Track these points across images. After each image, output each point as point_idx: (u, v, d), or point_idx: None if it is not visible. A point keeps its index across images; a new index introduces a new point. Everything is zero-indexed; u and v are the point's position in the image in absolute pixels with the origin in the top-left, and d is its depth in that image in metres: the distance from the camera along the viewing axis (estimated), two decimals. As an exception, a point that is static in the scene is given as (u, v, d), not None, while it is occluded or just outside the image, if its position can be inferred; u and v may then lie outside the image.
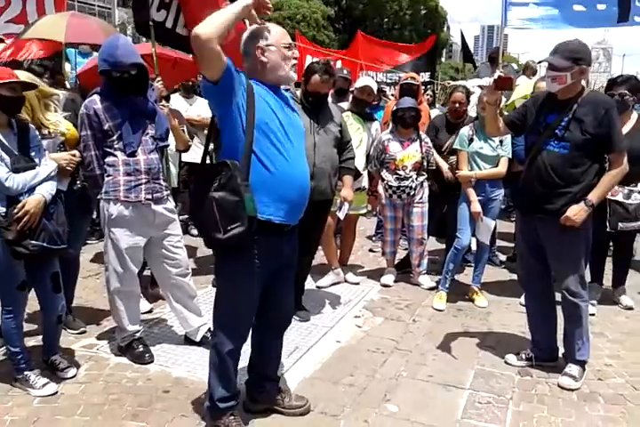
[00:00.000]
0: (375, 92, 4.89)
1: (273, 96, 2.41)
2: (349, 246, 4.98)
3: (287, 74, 2.43)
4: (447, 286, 4.35)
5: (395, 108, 4.68)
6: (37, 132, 2.92)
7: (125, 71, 3.01)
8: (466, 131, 4.26)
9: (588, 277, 3.42)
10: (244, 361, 2.73)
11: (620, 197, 3.89)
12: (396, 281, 4.79)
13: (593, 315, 3.80)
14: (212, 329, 2.78)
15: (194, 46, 2.17)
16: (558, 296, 3.25)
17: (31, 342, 3.31)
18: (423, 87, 8.36)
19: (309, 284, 4.38)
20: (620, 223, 3.94)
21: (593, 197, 2.96)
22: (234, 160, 2.29)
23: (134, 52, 3.07)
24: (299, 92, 3.82)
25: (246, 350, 2.70)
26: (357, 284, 4.74)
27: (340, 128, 3.87)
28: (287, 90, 2.92)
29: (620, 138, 2.95)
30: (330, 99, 5.64)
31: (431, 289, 4.60)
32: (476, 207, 4.13)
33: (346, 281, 4.76)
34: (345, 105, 5.02)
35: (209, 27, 2.13)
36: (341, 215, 4.06)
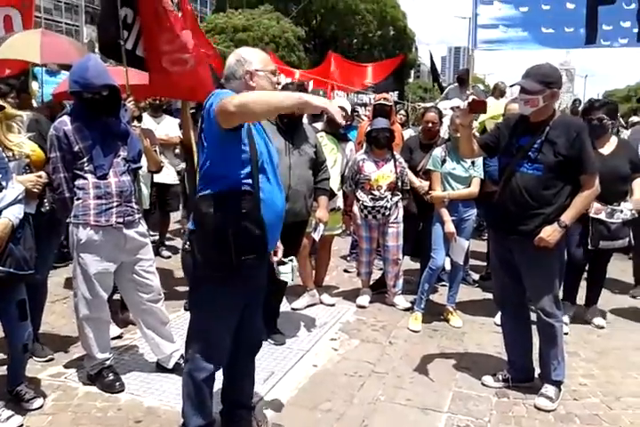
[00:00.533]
0: (349, 112, 4.92)
1: (256, 124, 2.43)
2: (325, 267, 4.95)
3: None
4: (422, 306, 4.34)
5: (369, 128, 4.71)
6: (4, 155, 2.83)
7: (97, 92, 2.96)
8: (438, 152, 4.30)
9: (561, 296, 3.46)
10: (217, 389, 2.66)
11: (602, 216, 3.95)
12: (371, 302, 4.76)
13: (566, 334, 3.83)
14: (184, 355, 2.70)
15: (221, 114, 2.15)
16: (533, 316, 3.27)
17: (-6, 371, 3.17)
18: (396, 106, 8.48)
19: (284, 306, 4.32)
20: (601, 242, 4.00)
21: (566, 218, 3.00)
22: (249, 187, 2.29)
23: (106, 73, 3.02)
24: None
25: (218, 377, 2.63)
26: (333, 305, 4.70)
27: (315, 149, 3.86)
28: None
29: (591, 160, 3.01)
30: (305, 119, 5.67)
31: (406, 310, 4.59)
32: (450, 228, 4.16)
33: (321, 302, 4.71)
34: (319, 125, 5.03)
35: (247, 107, 2.10)
36: (316, 236, 4.05)
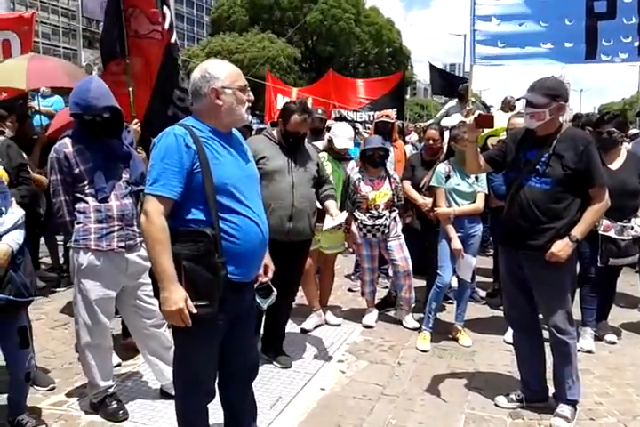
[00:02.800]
0: (352, 136, 4.79)
1: (224, 146, 2.28)
2: (329, 286, 4.87)
3: (242, 116, 2.31)
4: (431, 325, 4.26)
5: (363, 147, 4.68)
6: (3, 180, 2.79)
7: (98, 114, 2.93)
8: (442, 168, 4.27)
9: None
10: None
11: (612, 233, 3.90)
12: (377, 321, 4.68)
13: (578, 351, 3.74)
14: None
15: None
16: (546, 334, 3.20)
17: (-6, 401, 3.09)
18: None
19: (288, 326, 4.24)
20: (610, 259, 3.94)
21: (577, 232, 2.95)
22: (209, 228, 2.14)
23: (107, 95, 2.99)
24: (274, 132, 3.78)
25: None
26: (338, 325, 4.61)
27: (318, 167, 3.82)
28: (262, 129, 2.78)
29: (599, 173, 2.97)
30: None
31: (415, 329, 4.51)
32: (457, 244, 4.10)
33: (326, 323, 4.63)
34: (320, 144, 4.98)
35: (145, 234, 2.19)
36: (326, 226, 3.87)
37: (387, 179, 4.57)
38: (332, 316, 4.70)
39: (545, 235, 2.98)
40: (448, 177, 4.22)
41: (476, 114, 2.99)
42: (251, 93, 2.33)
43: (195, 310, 2.13)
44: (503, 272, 3.33)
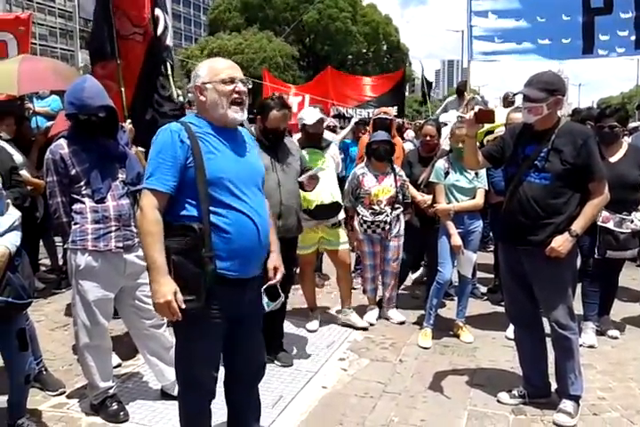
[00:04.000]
0: (323, 121, 4.55)
1: (222, 141, 2.27)
2: (347, 286, 4.63)
3: (225, 112, 2.26)
4: (432, 321, 4.25)
5: (368, 141, 4.65)
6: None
7: (93, 114, 2.91)
8: (441, 164, 4.25)
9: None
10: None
11: (610, 225, 3.86)
12: (378, 319, 4.66)
13: (580, 346, 3.72)
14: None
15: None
16: (547, 329, 3.19)
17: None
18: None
19: (288, 326, 4.23)
20: (608, 251, 3.92)
21: (577, 227, 2.94)
22: (197, 223, 2.15)
23: (102, 94, 2.97)
24: (253, 129, 3.72)
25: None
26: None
27: (300, 161, 3.79)
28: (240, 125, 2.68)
29: (599, 167, 2.96)
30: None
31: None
32: (457, 240, 4.08)
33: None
34: (295, 138, 4.58)
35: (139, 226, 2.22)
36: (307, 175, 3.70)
37: (392, 175, 4.54)
38: (395, 312, 4.68)
39: (545, 230, 2.96)
40: (447, 173, 4.20)
41: (477, 109, 2.96)
42: (240, 85, 2.26)
43: (183, 305, 2.13)
44: (503, 268, 3.32)
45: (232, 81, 2.26)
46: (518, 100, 7.87)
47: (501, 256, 3.35)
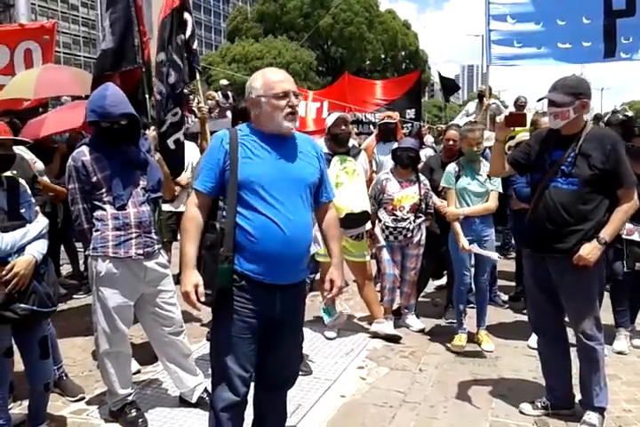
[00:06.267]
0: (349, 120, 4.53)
1: (264, 147, 2.32)
2: (371, 296, 4.56)
3: (280, 124, 2.32)
4: (464, 327, 4.22)
5: (395, 146, 4.65)
6: (27, 188, 2.81)
7: (115, 122, 2.93)
8: (452, 168, 4.20)
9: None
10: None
11: (635, 237, 3.82)
12: (399, 327, 4.61)
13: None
14: (208, 389, 2.58)
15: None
16: (571, 339, 3.13)
17: (16, 409, 3.10)
18: (411, 124, 8.40)
19: (307, 334, 4.20)
20: (637, 263, 3.85)
21: (605, 234, 2.86)
22: (220, 222, 2.32)
23: (124, 102, 2.99)
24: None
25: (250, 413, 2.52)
26: (422, 331, 4.55)
27: None
28: None
29: (628, 173, 2.88)
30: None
31: (419, 331, 4.52)
32: (462, 241, 4.02)
33: (408, 328, 4.61)
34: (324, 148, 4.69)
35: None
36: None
37: (416, 184, 4.51)
38: (414, 319, 4.65)
39: (572, 237, 2.89)
40: (458, 177, 4.14)
41: (507, 112, 2.92)
42: (293, 99, 2.33)
43: (202, 298, 2.29)
44: (528, 277, 3.24)
45: (286, 95, 2.31)
46: (531, 105, 7.74)
47: (526, 264, 3.27)
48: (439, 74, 14.25)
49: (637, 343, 4.19)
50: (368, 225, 4.42)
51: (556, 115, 2.91)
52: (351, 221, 4.09)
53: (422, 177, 4.61)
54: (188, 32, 4.25)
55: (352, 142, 4.72)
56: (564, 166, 2.93)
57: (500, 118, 2.98)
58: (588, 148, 2.88)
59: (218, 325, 2.40)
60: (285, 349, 2.50)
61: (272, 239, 2.26)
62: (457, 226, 4.09)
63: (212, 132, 3.88)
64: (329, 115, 5.72)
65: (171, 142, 4.15)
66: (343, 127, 4.26)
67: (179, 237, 5.71)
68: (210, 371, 2.49)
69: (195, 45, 4.31)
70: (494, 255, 4.19)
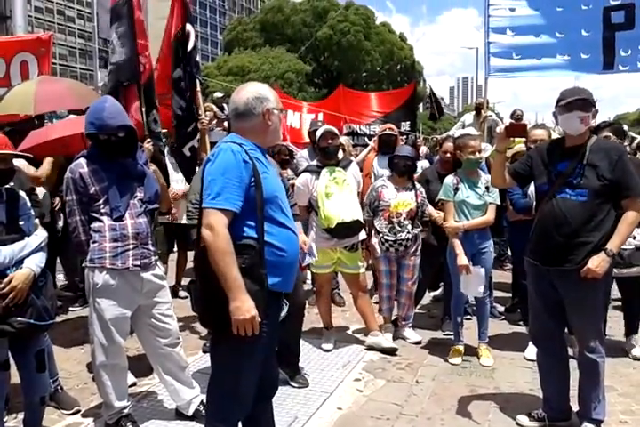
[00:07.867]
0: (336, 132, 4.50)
1: (267, 162, 2.39)
2: (368, 309, 4.54)
3: (280, 137, 2.56)
4: (461, 338, 4.21)
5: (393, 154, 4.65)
6: (28, 201, 2.82)
7: (113, 134, 2.94)
8: (450, 180, 4.16)
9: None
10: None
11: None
12: (394, 339, 4.60)
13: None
14: (204, 402, 2.55)
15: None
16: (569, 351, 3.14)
17: (10, 422, 3.07)
18: (407, 136, 8.45)
19: (303, 346, 4.19)
20: (614, 269, 3.84)
21: (613, 246, 2.85)
22: (255, 241, 2.21)
23: (122, 114, 3.01)
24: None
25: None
26: (419, 343, 4.53)
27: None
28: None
29: (635, 183, 2.87)
30: (306, 153, 5.56)
31: (416, 343, 4.50)
32: (462, 260, 3.98)
33: (405, 340, 4.60)
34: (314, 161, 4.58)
35: (211, 249, 2.16)
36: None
37: (413, 191, 4.53)
38: (411, 331, 4.64)
39: (582, 249, 2.87)
40: (457, 189, 4.12)
41: (507, 122, 2.93)
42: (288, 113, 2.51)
43: (259, 319, 2.16)
44: (532, 291, 3.19)
45: (282, 110, 2.46)
46: (525, 117, 7.75)
47: (530, 277, 3.21)
48: (432, 92, 14.34)
49: (635, 353, 4.17)
50: (362, 235, 4.42)
51: (583, 119, 2.89)
52: (343, 231, 4.10)
53: (418, 185, 4.63)
54: (191, 44, 4.29)
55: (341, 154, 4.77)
56: (572, 178, 2.91)
57: (500, 128, 2.99)
58: (595, 158, 2.88)
59: (236, 344, 2.22)
60: (272, 355, 2.53)
61: (295, 250, 2.36)
62: (457, 244, 4.02)
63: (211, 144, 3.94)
64: (312, 124, 5.79)
65: (186, 150, 4.23)
66: (330, 141, 4.29)
67: (175, 248, 5.77)
68: (206, 385, 2.40)
69: (197, 57, 4.37)
70: (482, 273, 4.00)
